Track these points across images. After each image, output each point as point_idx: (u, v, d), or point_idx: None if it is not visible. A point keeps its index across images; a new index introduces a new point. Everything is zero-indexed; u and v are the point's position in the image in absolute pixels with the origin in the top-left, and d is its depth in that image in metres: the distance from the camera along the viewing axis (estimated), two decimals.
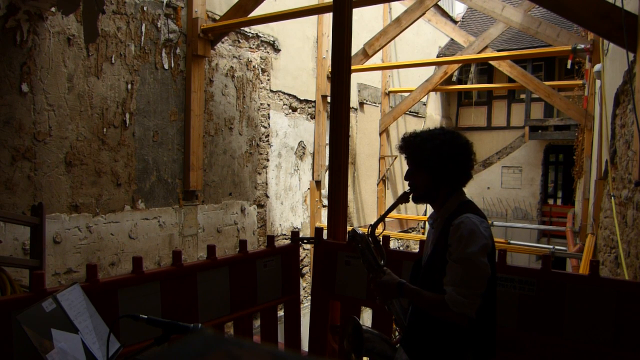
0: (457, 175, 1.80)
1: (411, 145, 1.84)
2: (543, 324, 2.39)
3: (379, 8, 9.65)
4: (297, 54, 7.45)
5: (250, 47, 6.51)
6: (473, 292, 1.61)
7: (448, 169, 1.77)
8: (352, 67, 3.99)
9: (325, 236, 3.30)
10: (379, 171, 9.95)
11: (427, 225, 1.99)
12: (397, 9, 9.36)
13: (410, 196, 1.89)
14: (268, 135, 6.92)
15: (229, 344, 0.52)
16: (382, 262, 1.92)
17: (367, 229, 2.03)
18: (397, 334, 2.04)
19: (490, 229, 1.73)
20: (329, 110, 6.05)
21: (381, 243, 2.06)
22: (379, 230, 2.00)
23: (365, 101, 9.35)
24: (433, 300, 1.69)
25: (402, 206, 10.67)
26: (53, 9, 4.07)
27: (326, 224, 3.37)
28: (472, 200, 1.84)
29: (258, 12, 5.57)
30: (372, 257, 1.94)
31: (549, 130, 12.20)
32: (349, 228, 3.38)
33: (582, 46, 6.34)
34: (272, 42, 6.88)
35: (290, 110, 7.37)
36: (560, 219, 12.36)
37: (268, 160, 6.95)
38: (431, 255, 1.80)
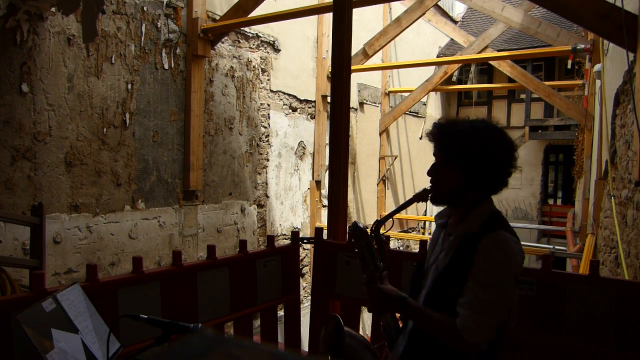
0: (494, 181, 1.52)
1: (446, 134, 1.53)
2: (543, 324, 2.39)
3: (379, 8, 9.65)
4: (297, 54, 7.45)
5: (250, 47, 6.51)
6: (491, 323, 1.39)
7: (486, 172, 1.49)
8: (352, 67, 3.99)
9: (325, 236, 3.29)
10: (379, 171, 9.95)
11: (434, 225, 1.73)
12: (397, 9, 9.36)
13: (430, 195, 1.61)
14: (268, 135, 6.92)
15: (229, 344, 0.52)
16: (380, 264, 1.63)
17: (372, 225, 1.74)
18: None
19: (524, 253, 1.48)
20: (329, 110, 6.05)
21: (386, 242, 1.82)
22: (385, 228, 1.74)
23: (365, 101, 9.34)
24: (441, 323, 1.45)
25: None
26: (53, 9, 4.07)
27: (326, 224, 3.37)
28: (500, 212, 1.57)
29: (258, 12, 5.57)
30: (370, 257, 1.64)
31: (549, 130, 12.21)
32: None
33: (582, 46, 6.34)
34: (272, 42, 6.88)
35: (290, 110, 7.37)
36: (560, 219, 12.36)
37: (268, 160, 6.95)
38: (447, 269, 1.51)
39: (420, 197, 1.64)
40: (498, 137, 1.51)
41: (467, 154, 1.48)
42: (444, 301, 1.48)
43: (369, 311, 1.71)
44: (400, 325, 1.72)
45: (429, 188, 1.61)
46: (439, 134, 1.55)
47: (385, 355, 1.75)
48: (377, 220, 1.74)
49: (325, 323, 1.80)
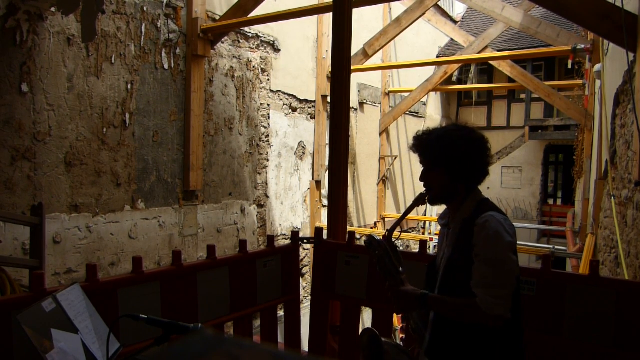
0: (474, 172, 1.74)
1: (425, 143, 1.78)
2: (543, 324, 2.39)
3: (379, 8, 9.65)
4: (297, 54, 7.45)
5: (250, 47, 6.51)
6: (505, 293, 1.56)
7: (464, 166, 1.71)
8: (352, 67, 3.99)
9: (325, 236, 3.29)
10: (379, 171, 9.95)
11: (439, 226, 1.91)
12: (397, 9, 9.36)
13: (427, 197, 1.84)
14: (268, 135, 6.92)
15: (229, 344, 0.52)
16: (400, 269, 1.83)
17: (384, 234, 1.96)
18: (397, 334, 1.98)
19: (514, 227, 1.66)
20: (329, 110, 6.05)
21: (399, 248, 1.97)
22: (395, 235, 1.94)
23: (365, 101, 9.34)
24: (463, 305, 1.62)
25: (402, 206, 10.67)
26: (53, 9, 4.07)
27: (326, 224, 3.37)
28: (489, 198, 1.78)
29: (258, 12, 5.57)
30: (392, 265, 1.84)
31: (549, 130, 12.19)
32: (349, 228, 3.39)
33: (582, 46, 6.34)
34: (272, 42, 6.88)
35: (290, 110, 7.37)
36: (560, 219, 12.35)
37: (268, 160, 6.95)
38: (451, 257, 1.72)
39: (418, 201, 1.87)
40: (468, 135, 1.74)
41: (446, 156, 1.72)
42: (454, 286, 1.66)
43: (396, 313, 1.90)
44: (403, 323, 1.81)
45: (424, 192, 1.85)
46: (419, 145, 1.80)
47: (418, 353, 1.93)
48: (387, 230, 1.96)
49: (360, 337, 1.93)
